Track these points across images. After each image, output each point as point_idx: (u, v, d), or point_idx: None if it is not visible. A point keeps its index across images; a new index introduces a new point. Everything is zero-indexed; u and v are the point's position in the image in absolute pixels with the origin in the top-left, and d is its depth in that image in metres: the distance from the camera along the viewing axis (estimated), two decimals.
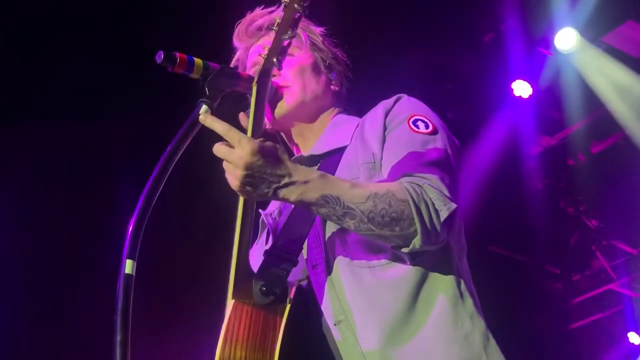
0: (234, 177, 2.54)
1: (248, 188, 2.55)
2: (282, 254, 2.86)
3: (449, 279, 2.85)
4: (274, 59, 2.89)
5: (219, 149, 2.56)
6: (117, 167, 6.26)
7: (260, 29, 3.45)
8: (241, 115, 2.91)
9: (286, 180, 2.56)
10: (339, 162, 3.11)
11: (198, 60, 2.89)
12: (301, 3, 2.81)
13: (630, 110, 9.10)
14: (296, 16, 2.84)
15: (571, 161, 10.63)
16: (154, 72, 3.11)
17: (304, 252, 2.94)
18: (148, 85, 5.90)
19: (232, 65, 3.47)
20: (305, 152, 3.32)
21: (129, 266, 2.46)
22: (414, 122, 3.00)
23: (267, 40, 3.19)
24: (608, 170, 10.31)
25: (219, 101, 2.88)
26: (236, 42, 3.50)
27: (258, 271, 2.74)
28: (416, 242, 2.65)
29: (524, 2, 8.42)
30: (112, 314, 2.42)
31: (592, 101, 9.09)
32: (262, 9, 3.47)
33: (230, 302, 2.68)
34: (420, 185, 2.70)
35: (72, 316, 6.55)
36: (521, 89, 8.99)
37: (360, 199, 2.62)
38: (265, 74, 2.93)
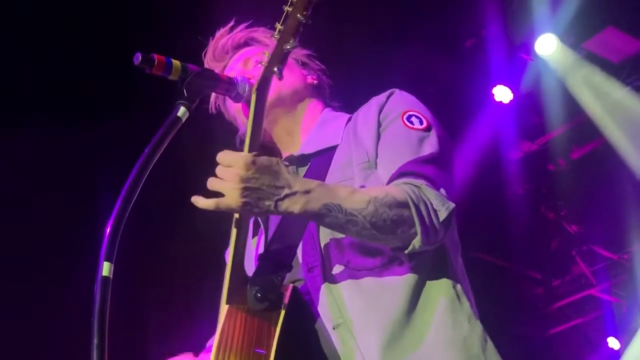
0: (232, 195, 2.49)
1: (248, 203, 2.50)
2: (276, 259, 2.85)
3: (446, 282, 2.83)
4: (275, 68, 2.85)
5: (213, 183, 2.52)
6: (95, 169, 6.22)
7: (226, 51, 3.45)
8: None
9: (286, 191, 2.53)
10: (331, 161, 3.08)
11: (176, 62, 2.87)
12: (304, 13, 2.77)
13: (610, 116, 9.14)
14: (298, 25, 2.80)
15: (552, 166, 10.67)
16: (132, 74, 3.09)
17: (299, 255, 2.92)
18: (126, 88, 5.87)
19: None
20: (295, 151, 3.28)
21: (106, 269, 2.43)
22: (408, 117, 2.99)
23: (238, 57, 3.33)
24: (588, 175, 10.35)
25: (198, 103, 2.86)
26: (208, 65, 3.46)
27: (252, 276, 2.72)
28: (416, 243, 2.65)
29: (505, 8, 8.45)
30: (90, 317, 2.39)
31: (573, 107, 9.13)
32: (221, 31, 3.49)
33: (224, 307, 2.66)
34: (418, 186, 2.70)
35: (48, 319, 6.51)
36: (502, 94, 9.02)
37: (362, 204, 2.60)
38: (264, 82, 2.89)
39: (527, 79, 9.06)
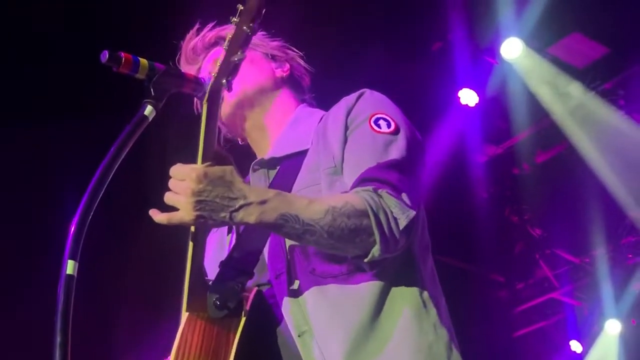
0: (185, 209, 2.47)
1: (202, 215, 2.48)
2: (238, 266, 2.82)
3: (412, 290, 2.81)
4: (223, 80, 2.87)
5: (168, 197, 2.51)
6: (61, 167, 6.19)
7: (197, 53, 3.42)
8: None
9: (241, 202, 2.50)
10: (301, 164, 3.05)
11: (143, 61, 2.85)
12: (250, 25, 2.83)
13: (575, 121, 9.21)
14: (245, 37, 2.84)
15: (516, 170, 10.72)
16: (98, 73, 3.07)
17: (267, 260, 2.90)
18: (93, 86, 5.84)
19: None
20: (266, 152, 3.24)
21: (70, 267, 2.41)
22: (376, 121, 2.93)
23: (209, 57, 3.31)
24: (552, 179, 10.42)
25: (164, 102, 2.85)
26: (185, 70, 3.40)
27: (212, 284, 2.70)
28: (375, 251, 2.62)
29: (471, 12, 8.47)
30: (53, 315, 2.38)
31: (537, 110, 9.19)
32: (190, 33, 3.46)
33: (184, 315, 2.65)
34: (378, 194, 2.67)
35: (11, 317, 6.47)
36: (468, 97, 9.05)
37: (319, 214, 2.57)
38: (214, 94, 2.87)
39: (493, 83, 9.11)
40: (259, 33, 3.41)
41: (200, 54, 3.42)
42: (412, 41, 8.69)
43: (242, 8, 2.85)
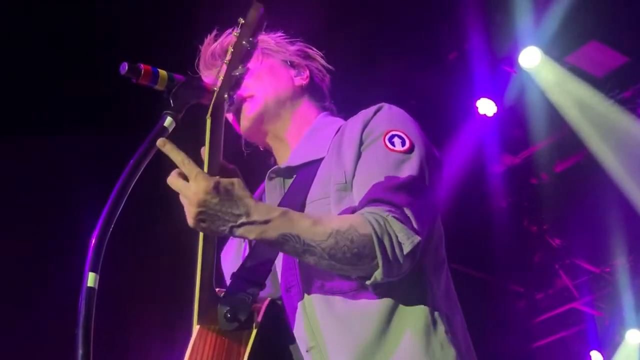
0: (189, 214, 2.53)
1: (203, 225, 2.52)
2: (249, 277, 2.81)
3: (421, 309, 2.77)
4: (225, 95, 2.86)
5: (174, 182, 2.56)
6: (80, 179, 6.21)
7: (215, 58, 3.37)
8: (202, 150, 2.85)
9: (243, 219, 2.52)
10: (315, 175, 3.03)
11: (162, 72, 2.85)
12: (249, 39, 2.83)
13: (594, 129, 9.18)
14: (245, 52, 2.85)
15: (534, 180, 10.69)
16: (117, 84, 3.08)
17: (278, 274, 2.91)
18: (112, 98, 5.86)
19: None
20: (283, 162, 3.24)
21: (91, 279, 2.42)
22: (390, 138, 2.89)
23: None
24: (571, 189, 10.38)
25: (184, 113, 2.85)
26: (204, 74, 3.37)
27: (223, 296, 2.70)
28: (377, 275, 2.61)
29: (488, 21, 8.46)
30: (74, 328, 2.38)
31: (556, 120, 9.16)
32: (208, 39, 3.44)
33: (195, 327, 2.65)
34: (384, 217, 2.64)
35: (34, 330, 6.48)
36: (486, 107, 9.02)
37: (322, 236, 2.57)
38: (217, 108, 2.85)
39: (511, 92, 9.08)
40: (278, 36, 3.42)
41: (219, 59, 3.41)
42: (428, 50, 8.68)
43: (242, 22, 2.85)
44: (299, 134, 3.29)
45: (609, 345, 11.20)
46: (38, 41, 6.47)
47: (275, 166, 3.22)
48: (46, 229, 6.49)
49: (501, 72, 9.00)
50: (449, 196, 9.18)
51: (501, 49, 8.73)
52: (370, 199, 2.73)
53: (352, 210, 2.76)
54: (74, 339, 2.37)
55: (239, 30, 2.84)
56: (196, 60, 3.45)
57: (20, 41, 6.44)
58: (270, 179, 3.18)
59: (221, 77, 2.86)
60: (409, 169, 2.82)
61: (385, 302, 2.75)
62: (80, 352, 2.35)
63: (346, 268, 2.63)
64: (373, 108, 3.05)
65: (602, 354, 11.13)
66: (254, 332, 2.64)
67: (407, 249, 2.61)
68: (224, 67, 2.86)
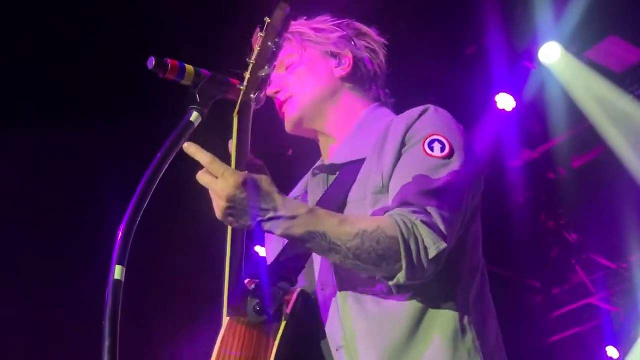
0: (216, 207, 2.57)
1: (230, 219, 2.57)
2: (282, 272, 2.85)
3: (451, 314, 2.79)
4: (252, 96, 2.87)
5: (202, 178, 2.58)
6: (107, 173, 6.24)
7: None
8: (230, 144, 2.86)
9: (271, 214, 2.56)
10: (357, 175, 3.03)
11: (189, 67, 2.88)
12: (275, 40, 2.85)
13: (613, 125, 9.15)
14: (271, 53, 2.86)
15: (552, 175, 10.65)
16: (144, 79, 3.10)
17: (316, 271, 2.94)
18: (138, 92, 5.88)
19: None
20: (329, 158, 3.26)
21: (118, 272, 2.45)
22: (430, 143, 2.88)
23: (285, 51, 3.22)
24: (589, 184, 10.34)
25: (210, 108, 2.87)
26: None
27: (254, 288, 2.71)
28: (400, 277, 2.64)
29: (507, 16, 8.43)
30: (101, 319, 2.40)
31: (575, 115, 9.13)
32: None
33: (225, 319, 2.69)
34: (412, 221, 2.65)
35: (61, 322, 6.53)
36: (505, 102, 9.00)
37: (348, 236, 2.60)
38: (244, 107, 2.87)
39: (530, 87, 9.05)
40: (322, 21, 3.41)
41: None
42: (447, 45, 8.67)
43: (268, 21, 2.87)
44: (345, 127, 3.28)
45: (624, 340, 11.17)
46: (66, 30, 6.50)
47: (320, 162, 3.24)
48: (74, 222, 6.53)
49: (520, 67, 8.97)
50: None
51: (520, 44, 8.69)
52: (401, 202, 2.76)
53: (384, 212, 2.78)
54: (101, 330, 2.39)
55: (264, 30, 2.86)
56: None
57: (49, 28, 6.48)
58: (314, 175, 3.21)
59: (247, 77, 2.87)
60: (445, 175, 2.82)
61: (415, 305, 2.78)
62: (107, 343, 2.38)
63: (370, 268, 2.66)
64: (419, 109, 3.05)
65: (618, 350, 11.10)
66: (283, 324, 2.68)
67: (432, 253, 2.64)
68: (250, 66, 2.87)
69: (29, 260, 6.41)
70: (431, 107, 3.05)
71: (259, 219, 2.56)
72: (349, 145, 3.20)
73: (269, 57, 2.86)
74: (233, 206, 2.53)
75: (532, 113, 9.42)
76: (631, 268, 10.83)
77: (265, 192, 2.57)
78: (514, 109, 9.01)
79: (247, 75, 2.88)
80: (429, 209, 2.71)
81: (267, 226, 2.58)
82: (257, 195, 2.55)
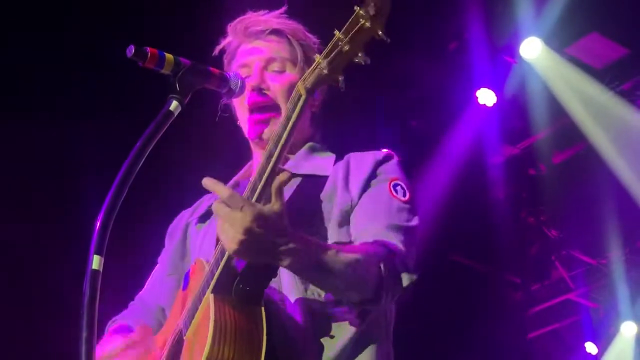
0: (230, 239, 2.53)
1: (240, 248, 2.53)
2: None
3: (383, 324, 3.07)
4: (340, 77, 2.69)
5: (220, 209, 2.54)
6: (86, 162, 6.21)
7: (258, 33, 3.34)
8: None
9: (282, 248, 2.57)
10: (319, 190, 3.14)
11: (169, 56, 2.85)
12: (379, 33, 2.63)
13: (593, 120, 9.18)
14: (367, 41, 2.63)
15: (533, 171, 10.69)
16: (123, 67, 3.07)
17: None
18: (117, 81, 5.85)
19: (216, 51, 3.46)
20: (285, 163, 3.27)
21: (96, 262, 2.42)
22: (395, 186, 3.12)
23: (262, 46, 3.29)
24: (569, 180, 10.38)
25: (190, 98, 2.84)
26: (231, 34, 3.41)
27: (241, 270, 2.72)
28: (369, 302, 2.82)
29: (488, 11, 8.44)
30: (79, 310, 2.38)
31: (556, 111, 9.16)
32: (265, 13, 3.39)
33: (208, 296, 2.72)
34: (394, 253, 2.86)
35: (37, 313, 6.51)
36: (486, 97, 9.01)
37: (343, 265, 2.69)
38: (320, 84, 2.75)
39: (511, 82, 9.07)
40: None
41: (257, 36, 3.36)
42: (428, 40, 8.67)
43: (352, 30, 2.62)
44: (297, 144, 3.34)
45: (603, 336, 11.23)
46: (43, 23, 6.47)
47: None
48: (52, 213, 6.50)
49: (501, 62, 9.00)
50: (447, 187, 9.21)
51: (501, 39, 8.71)
52: (378, 234, 2.94)
53: (349, 238, 3.02)
54: (79, 320, 2.37)
55: (346, 34, 2.63)
56: (238, 21, 3.39)
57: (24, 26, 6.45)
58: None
59: (334, 52, 2.67)
60: (408, 217, 3.08)
61: (357, 318, 2.94)
62: (84, 334, 2.35)
63: (351, 294, 2.81)
64: (384, 153, 3.27)
65: (596, 346, 11.16)
66: (263, 308, 2.73)
67: (405, 283, 2.86)
68: (342, 41, 2.63)
69: (6, 250, 6.37)
70: (395, 156, 3.30)
71: (272, 253, 2.57)
72: (306, 160, 3.30)
73: (365, 44, 2.64)
74: (248, 239, 2.50)
75: (513, 109, 9.45)
76: (610, 264, 10.88)
77: (281, 226, 2.56)
78: (494, 104, 9.03)
79: (335, 50, 2.66)
80: (402, 245, 2.94)
81: (275, 259, 2.60)
82: (274, 231, 2.54)
